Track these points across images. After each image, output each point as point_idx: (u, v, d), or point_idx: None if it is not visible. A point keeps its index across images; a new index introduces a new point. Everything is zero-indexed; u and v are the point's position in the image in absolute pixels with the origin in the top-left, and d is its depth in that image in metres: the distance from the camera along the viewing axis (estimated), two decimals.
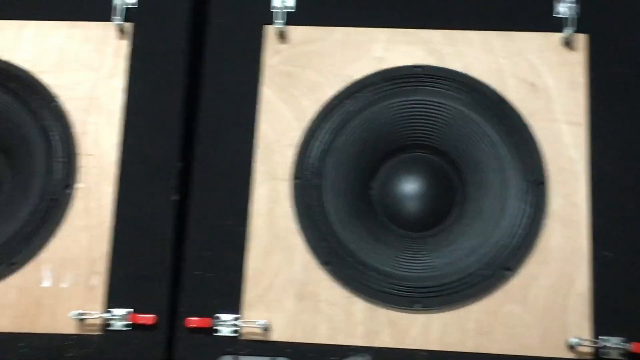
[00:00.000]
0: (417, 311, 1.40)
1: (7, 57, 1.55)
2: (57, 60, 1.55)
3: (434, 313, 1.39)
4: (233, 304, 1.43)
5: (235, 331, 1.42)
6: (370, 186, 1.50)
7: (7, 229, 1.47)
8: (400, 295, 1.40)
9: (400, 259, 1.43)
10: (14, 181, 1.53)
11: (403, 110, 1.49)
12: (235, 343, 1.42)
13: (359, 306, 1.42)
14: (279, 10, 1.53)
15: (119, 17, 1.53)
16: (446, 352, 1.39)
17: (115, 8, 1.54)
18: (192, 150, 1.51)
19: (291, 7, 1.54)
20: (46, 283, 1.45)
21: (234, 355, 1.41)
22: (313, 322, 1.42)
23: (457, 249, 1.43)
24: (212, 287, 1.44)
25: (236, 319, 1.42)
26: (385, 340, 1.39)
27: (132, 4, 1.56)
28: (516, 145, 1.44)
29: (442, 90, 1.48)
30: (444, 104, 1.48)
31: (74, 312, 1.41)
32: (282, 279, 1.44)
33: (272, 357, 1.41)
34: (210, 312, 1.43)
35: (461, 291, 1.40)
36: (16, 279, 1.45)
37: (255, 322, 1.40)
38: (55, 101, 1.52)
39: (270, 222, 1.46)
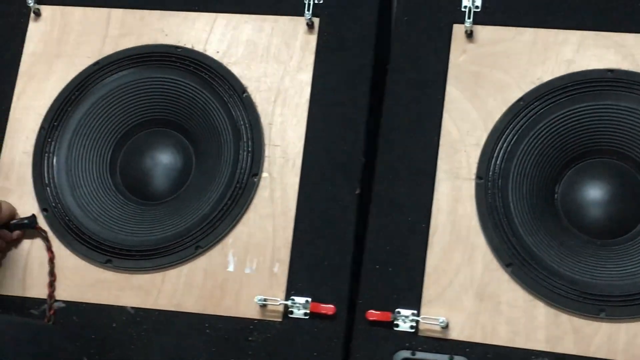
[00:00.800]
0: (603, 320, 1.37)
1: (199, 47, 1.60)
2: (247, 52, 1.59)
3: (620, 323, 1.37)
4: (412, 300, 1.44)
5: (413, 327, 1.43)
6: (555, 190, 1.49)
7: (195, 213, 1.52)
8: (585, 302, 1.37)
9: (586, 266, 1.40)
10: (201, 167, 1.58)
11: (592, 115, 1.46)
12: (413, 339, 1.43)
13: (541, 310, 1.40)
14: (468, 10, 1.54)
15: (309, 13, 1.57)
16: None
17: (307, 3, 1.57)
18: (375, 145, 1.53)
19: (478, 7, 1.54)
20: (230, 267, 1.51)
21: (411, 351, 1.43)
22: (493, 323, 1.41)
23: None
24: (391, 281, 1.45)
25: (415, 314, 1.44)
26: (568, 346, 1.37)
27: (319, 0, 1.59)
28: None
29: (635, 95, 1.45)
30: (636, 109, 1.45)
31: (259, 297, 1.45)
32: (463, 277, 1.44)
33: (449, 356, 1.41)
34: (389, 306, 1.44)
35: None
36: (202, 262, 1.50)
37: (436, 319, 1.41)
38: (247, 92, 1.56)
39: (452, 221, 1.46)
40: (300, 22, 1.58)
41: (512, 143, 1.47)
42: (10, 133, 1.60)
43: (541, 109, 1.47)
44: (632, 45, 1.48)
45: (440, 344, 1.42)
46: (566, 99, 1.47)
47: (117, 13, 1.64)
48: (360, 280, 1.47)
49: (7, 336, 1.32)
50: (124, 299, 1.50)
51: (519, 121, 1.47)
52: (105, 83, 1.60)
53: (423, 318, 1.42)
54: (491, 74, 1.51)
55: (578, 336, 1.38)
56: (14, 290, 1.52)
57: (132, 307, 1.49)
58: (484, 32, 1.53)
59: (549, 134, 1.47)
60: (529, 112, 1.47)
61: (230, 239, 1.50)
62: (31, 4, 1.65)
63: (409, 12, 1.56)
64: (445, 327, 1.42)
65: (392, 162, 1.50)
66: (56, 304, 1.50)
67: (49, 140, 1.58)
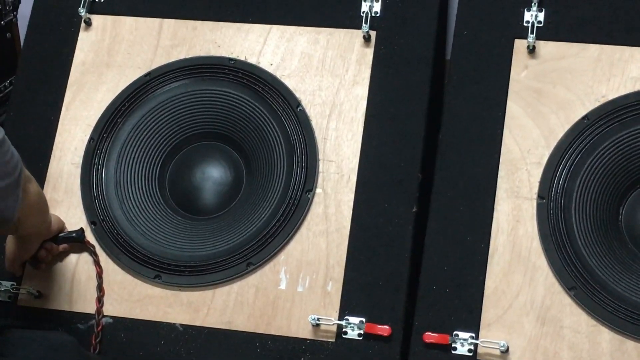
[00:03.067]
0: None
1: (252, 59, 1.57)
2: (301, 65, 1.56)
3: None
4: (471, 322, 1.39)
5: (471, 350, 1.38)
6: (619, 211, 1.44)
7: (246, 229, 1.49)
8: None
9: None
10: (252, 182, 1.55)
11: None
12: None
13: (606, 336, 1.35)
14: (531, 25, 1.50)
15: (367, 26, 1.54)
16: None
17: (364, 16, 1.54)
18: (433, 161, 1.49)
19: (540, 22, 1.51)
20: (283, 285, 1.47)
21: None
22: (554, 348, 1.36)
23: None
24: (449, 302, 1.41)
25: (473, 337, 1.39)
26: None
27: (376, 13, 1.57)
28: None
29: None
30: None
31: (312, 317, 1.41)
32: (523, 300, 1.39)
33: None
34: (446, 328, 1.40)
35: None
36: (254, 279, 1.47)
37: (496, 342, 1.36)
38: (301, 106, 1.53)
39: (512, 241, 1.42)
40: (356, 35, 1.55)
41: (575, 162, 1.43)
42: (59, 144, 1.58)
43: (606, 127, 1.43)
44: None
45: None
46: (632, 117, 1.43)
47: (169, 23, 1.61)
48: (416, 300, 1.43)
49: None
50: (173, 315, 1.46)
51: (583, 139, 1.43)
52: (156, 94, 1.58)
53: (482, 341, 1.38)
54: (554, 91, 1.47)
55: None
56: (61, 304, 1.49)
57: (181, 324, 1.46)
58: (546, 47, 1.49)
59: (614, 153, 1.43)
60: (594, 130, 1.43)
61: (282, 256, 1.47)
62: (82, 13, 1.63)
63: (469, 27, 1.53)
64: (506, 351, 1.37)
65: (451, 179, 1.46)
66: (104, 320, 1.47)
67: (98, 151, 1.56)
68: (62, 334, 1.43)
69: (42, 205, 1.41)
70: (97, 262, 1.50)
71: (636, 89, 1.44)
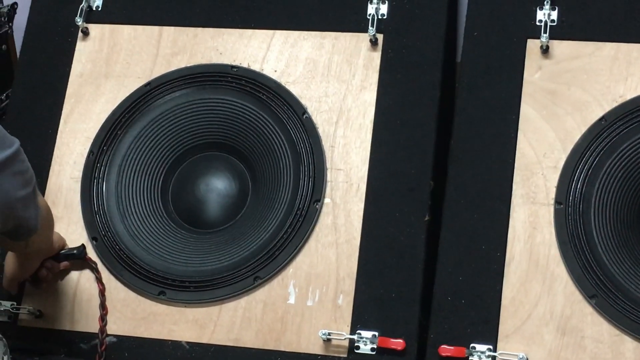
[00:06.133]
0: None
1: (255, 66, 1.53)
2: (306, 71, 1.51)
3: None
4: (488, 334, 1.34)
5: None
6: None
7: (253, 242, 1.44)
8: None
9: None
10: (258, 193, 1.50)
11: None
12: None
13: (629, 346, 1.30)
14: (544, 24, 1.45)
15: (373, 29, 1.49)
16: None
17: (370, 19, 1.49)
18: (445, 168, 1.45)
19: (554, 21, 1.46)
20: (291, 299, 1.42)
21: None
22: (576, 359, 1.32)
23: None
24: (465, 314, 1.36)
25: (491, 350, 1.34)
26: None
27: (382, 15, 1.52)
28: None
29: None
30: None
31: (322, 332, 1.36)
32: (542, 310, 1.34)
33: None
34: (463, 341, 1.35)
35: None
36: (262, 294, 1.42)
37: (515, 354, 1.31)
38: (307, 113, 1.49)
39: (529, 249, 1.37)
40: (363, 39, 1.50)
41: (593, 165, 1.38)
42: (58, 158, 1.54)
43: (624, 128, 1.39)
44: None
45: None
46: None
47: (169, 31, 1.57)
48: (431, 312, 1.38)
49: None
50: (179, 333, 1.42)
51: (601, 142, 1.39)
52: (157, 105, 1.53)
53: (500, 354, 1.33)
54: (569, 92, 1.42)
55: None
56: (63, 324, 1.45)
57: (187, 342, 1.41)
58: (560, 47, 1.44)
59: (633, 155, 1.38)
60: (612, 132, 1.39)
61: (290, 270, 1.42)
62: (79, 23, 1.58)
63: (480, 27, 1.48)
64: None
65: (464, 186, 1.42)
66: (108, 339, 1.42)
67: (98, 165, 1.51)
68: None
69: (51, 218, 1.39)
70: (99, 280, 1.45)
71: None
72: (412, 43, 1.49)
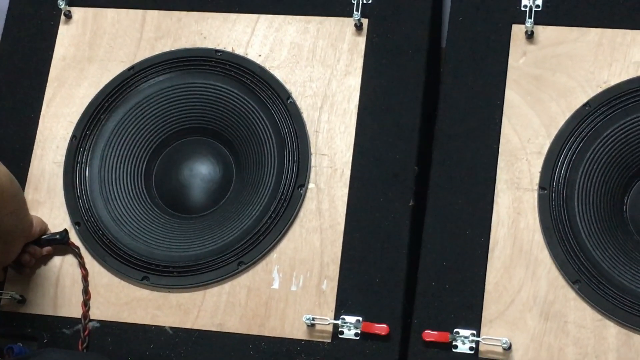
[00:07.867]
0: None
1: (240, 50, 1.52)
2: (291, 55, 1.50)
3: None
4: (472, 319, 1.34)
5: (473, 348, 1.33)
6: (624, 201, 1.39)
7: (237, 227, 1.44)
8: None
9: None
10: (242, 178, 1.49)
11: None
12: None
13: (612, 331, 1.30)
14: (529, 9, 1.45)
15: (358, 13, 1.48)
16: None
17: (355, 3, 1.48)
18: (430, 153, 1.44)
19: (539, 6, 1.45)
20: (275, 285, 1.42)
21: None
22: (559, 344, 1.31)
23: None
24: (449, 299, 1.36)
25: (474, 335, 1.34)
26: None
27: (367, 0, 1.51)
28: None
29: None
30: None
31: (306, 317, 1.36)
32: (526, 295, 1.34)
33: None
34: (447, 326, 1.35)
35: None
36: (246, 279, 1.41)
37: (498, 339, 1.31)
38: (291, 98, 1.48)
39: (513, 234, 1.37)
40: (347, 23, 1.49)
41: (577, 151, 1.38)
42: (40, 142, 1.52)
43: (608, 114, 1.38)
44: None
45: None
46: (635, 103, 1.38)
47: (153, 14, 1.56)
48: (415, 298, 1.38)
49: None
50: (162, 318, 1.41)
51: (585, 127, 1.38)
52: (140, 89, 1.52)
53: (484, 339, 1.33)
54: (554, 78, 1.42)
55: None
56: (45, 309, 1.44)
57: (171, 327, 1.40)
58: (545, 32, 1.44)
59: (617, 140, 1.38)
60: (596, 117, 1.38)
61: (275, 255, 1.42)
62: (62, 6, 1.57)
63: (464, 12, 1.47)
64: (508, 348, 1.32)
65: (448, 171, 1.41)
66: (91, 324, 1.42)
67: (81, 149, 1.50)
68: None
69: (15, 190, 1.34)
70: (82, 265, 1.44)
71: (639, 73, 1.39)
72: (398, 28, 1.48)
